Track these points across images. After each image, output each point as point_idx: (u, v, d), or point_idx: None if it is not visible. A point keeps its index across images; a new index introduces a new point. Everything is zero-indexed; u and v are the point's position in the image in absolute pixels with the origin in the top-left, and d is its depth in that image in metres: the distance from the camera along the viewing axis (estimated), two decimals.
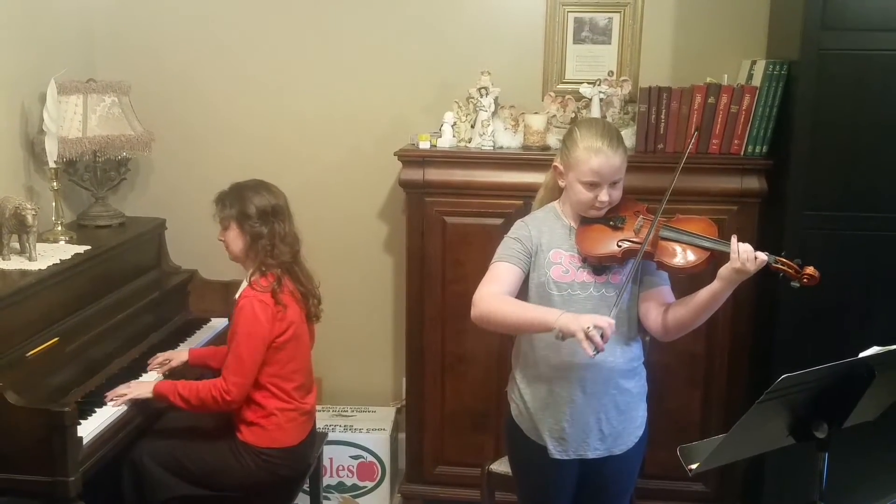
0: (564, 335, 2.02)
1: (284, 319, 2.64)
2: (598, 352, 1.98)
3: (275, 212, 2.67)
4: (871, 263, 2.87)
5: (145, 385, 2.64)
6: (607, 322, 1.99)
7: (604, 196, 2.21)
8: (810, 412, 1.78)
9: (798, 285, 2.09)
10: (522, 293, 2.28)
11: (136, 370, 2.83)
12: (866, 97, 2.79)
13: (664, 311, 2.23)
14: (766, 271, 2.09)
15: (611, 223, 2.25)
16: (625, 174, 2.26)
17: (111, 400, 2.56)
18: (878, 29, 2.74)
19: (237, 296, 2.67)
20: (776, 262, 2.08)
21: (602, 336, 1.97)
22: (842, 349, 1.84)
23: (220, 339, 3.16)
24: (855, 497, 2.30)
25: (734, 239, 2.10)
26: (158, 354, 2.91)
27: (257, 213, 2.64)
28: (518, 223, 2.35)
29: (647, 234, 2.18)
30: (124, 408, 2.56)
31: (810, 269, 2.08)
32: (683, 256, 2.18)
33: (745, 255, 2.05)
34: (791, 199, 2.89)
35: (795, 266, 2.08)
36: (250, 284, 2.63)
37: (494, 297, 2.19)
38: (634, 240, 2.21)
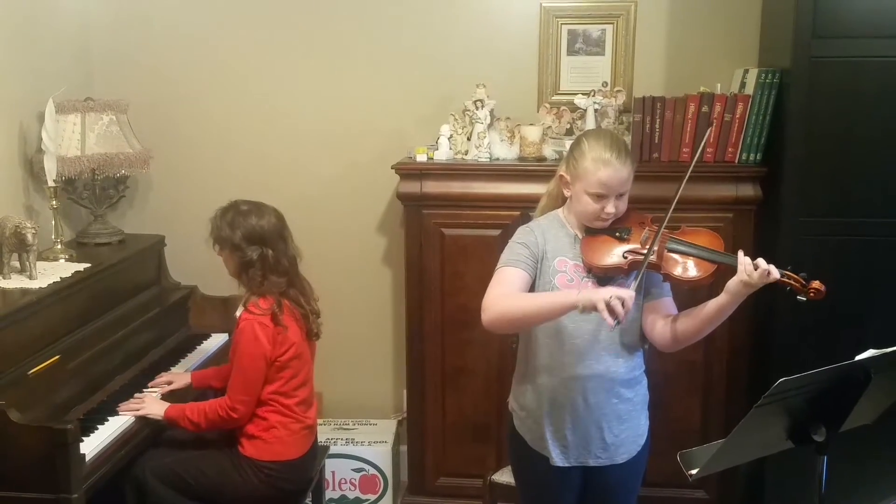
0: (586, 308, 2.01)
1: (286, 342, 2.64)
2: (618, 322, 1.98)
3: (263, 238, 2.62)
4: (866, 268, 2.89)
5: (158, 405, 2.69)
6: (628, 293, 1.98)
7: (610, 208, 2.20)
8: (808, 416, 1.78)
9: (805, 299, 2.06)
10: None
11: (137, 387, 2.84)
12: (858, 103, 2.81)
13: (669, 322, 2.23)
14: (772, 285, 2.07)
15: (616, 234, 2.24)
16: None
17: (123, 411, 2.64)
18: (868, 36, 2.76)
19: (237, 314, 2.66)
20: (782, 275, 2.06)
21: (623, 305, 1.96)
22: (839, 353, 1.84)
23: (220, 357, 3.18)
24: (854, 501, 2.30)
25: (741, 253, 2.09)
26: (162, 374, 2.93)
27: (244, 241, 2.61)
28: (523, 228, 2.33)
29: (652, 246, 2.16)
30: (129, 423, 2.59)
31: (816, 283, 2.06)
32: (690, 269, 2.17)
33: (751, 269, 2.04)
34: (786, 206, 2.91)
35: (801, 280, 2.06)
36: (247, 309, 2.61)
37: (506, 297, 2.17)
38: (641, 251, 2.19)
